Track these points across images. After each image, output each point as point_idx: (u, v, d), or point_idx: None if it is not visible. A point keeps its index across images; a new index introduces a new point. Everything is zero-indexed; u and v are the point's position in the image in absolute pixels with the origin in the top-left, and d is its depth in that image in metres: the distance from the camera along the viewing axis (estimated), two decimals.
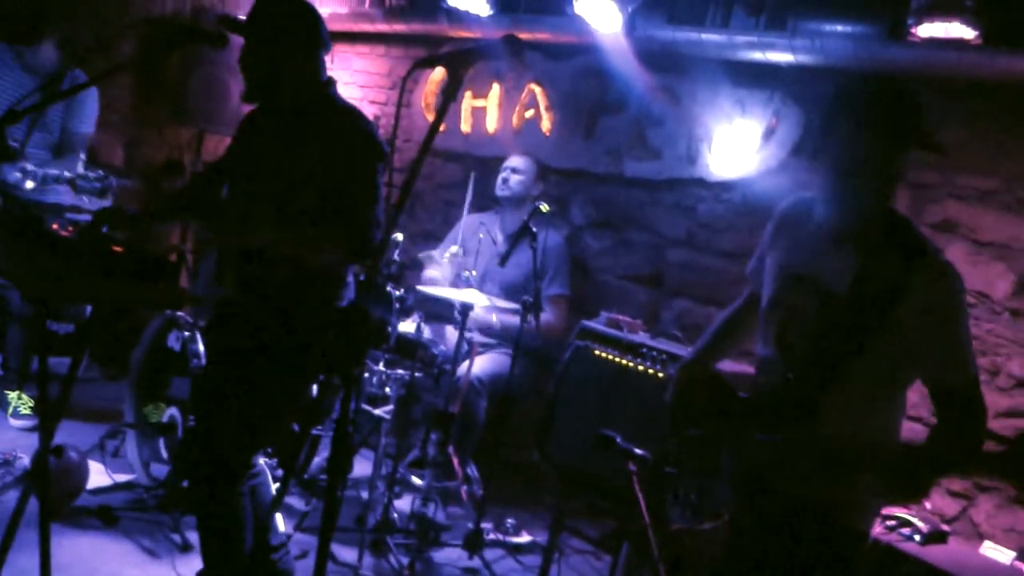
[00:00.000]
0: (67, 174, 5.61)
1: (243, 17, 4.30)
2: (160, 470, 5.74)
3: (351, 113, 4.28)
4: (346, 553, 5.46)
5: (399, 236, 5.99)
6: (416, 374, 5.85)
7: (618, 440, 3.89)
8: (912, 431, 5.71)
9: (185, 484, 5.36)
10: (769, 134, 6.45)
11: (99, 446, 6.08)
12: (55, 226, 3.82)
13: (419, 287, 6.27)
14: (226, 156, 4.54)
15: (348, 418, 2.78)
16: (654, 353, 5.79)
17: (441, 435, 6.02)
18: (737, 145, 6.63)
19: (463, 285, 6.45)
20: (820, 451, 3.17)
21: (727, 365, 4.60)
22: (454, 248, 6.78)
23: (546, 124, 7.84)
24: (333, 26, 8.47)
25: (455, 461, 5.98)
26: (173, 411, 5.60)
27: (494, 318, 6.74)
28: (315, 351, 4.20)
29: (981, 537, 5.23)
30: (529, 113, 7.98)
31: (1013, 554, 4.84)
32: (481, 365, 6.44)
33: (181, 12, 9.14)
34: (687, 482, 3.93)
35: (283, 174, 4.12)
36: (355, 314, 2.74)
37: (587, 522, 6.47)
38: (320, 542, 2.84)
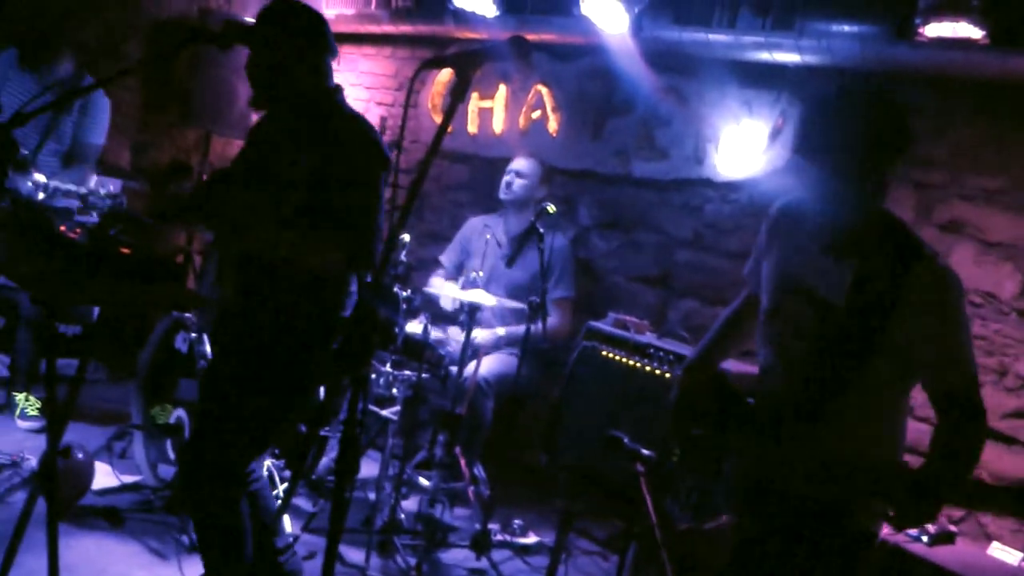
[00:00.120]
0: (80, 190, 5.63)
1: (250, 18, 4.31)
2: (167, 471, 5.75)
3: (357, 120, 4.27)
4: (353, 554, 5.46)
5: (406, 237, 5.99)
6: (423, 375, 5.85)
7: (625, 441, 3.88)
8: (918, 431, 5.70)
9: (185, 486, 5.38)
10: (776, 134, 6.45)
11: (106, 447, 6.07)
12: (63, 228, 3.83)
13: (428, 289, 6.29)
14: (235, 162, 4.53)
15: (357, 419, 2.78)
16: (661, 354, 5.80)
17: (448, 436, 6.02)
18: (744, 145, 6.63)
19: (469, 286, 6.45)
20: (823, 470, 3.16)
21: (732, 365, 4.60)
22: (454, 286, 6.82)
23: (553, 125, 7.84)
24: (339, 27, 8.50)
25: (462, 462, 5.97)
26: (180, 412, 5.61)
27: (500, 331, 6.74)
28: (315, 357, 4.20)
29: (989, 538, 5.23)
30: (536, 114, 7.98)
31: (1021, 555, 4.83)
32: (488, 366, 6.43)
33: (187, 14, 9.15)
34: (688, 483, 3.92)
35: (286, 180, 4.11)
36: (363, 314, 2.74)
37: (594, 523, 6.46)
38: (328, 543, 2.84)
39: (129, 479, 5.82)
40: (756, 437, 3.34)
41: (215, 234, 5.40)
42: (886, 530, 4.57)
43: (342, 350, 2.74)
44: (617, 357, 5.95)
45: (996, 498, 2.88)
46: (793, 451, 3.23)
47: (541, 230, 6.02)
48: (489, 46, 2.93)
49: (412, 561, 5.52)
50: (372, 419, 5.95)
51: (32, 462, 5.67)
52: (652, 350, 5.84)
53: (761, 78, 6.56)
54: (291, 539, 4.61)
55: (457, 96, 2.84)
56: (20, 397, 6.58)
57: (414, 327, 5.98)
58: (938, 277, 3.14)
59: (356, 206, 4.05)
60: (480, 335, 6.60)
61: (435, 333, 6.21)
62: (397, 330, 5.69)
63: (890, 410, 3.32)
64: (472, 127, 8.40)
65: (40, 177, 5.83)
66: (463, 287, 6.69)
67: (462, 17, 7.86)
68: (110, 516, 5.38)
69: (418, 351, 5.83)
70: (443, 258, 7.31)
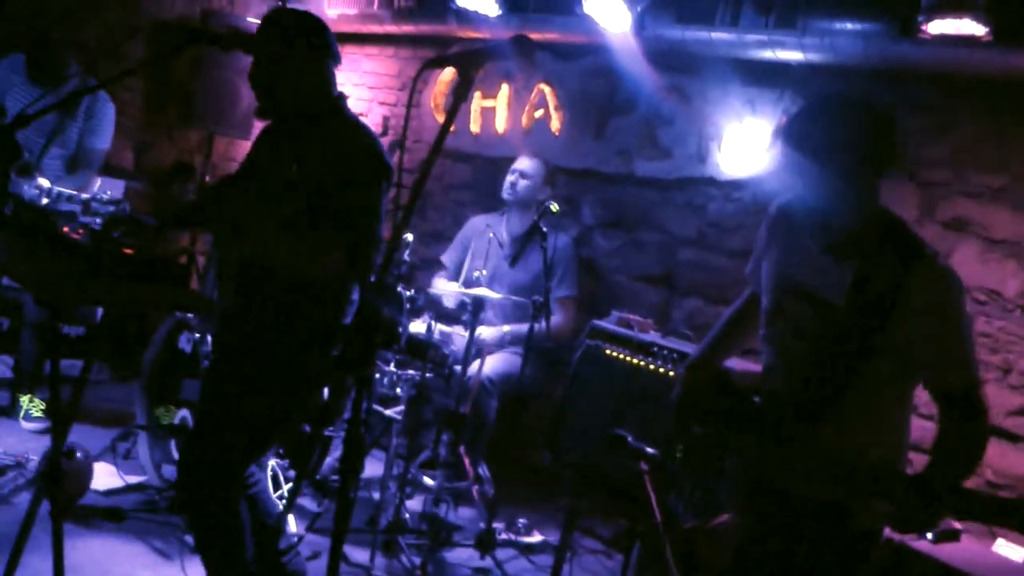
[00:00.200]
0: (82, 196, 5.63)
1: (252, 19, 4.31)
2: (172, 472, 5.75)
3: (359, 129, 4.26)
4: (358, 554, 5.47)
5: (409, 236, 5.99)
6: (427, 375, 5.85)
7: (629, 439, 3.88)
8: (923, 429, 5.70)
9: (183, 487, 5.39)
10: (779, 132, 6.43)
11: (111, 448, 6.09)
12: (66, 229, 3.83)
13: (432, 290, 6.30)
14: (240, 169, 4.53)
15: (361, 419, 2.77)
16: (665, 352, 5.79)
17: (452, 435, 6.02)
18: (747, 144, 6.63)
19: (472, 286, 6.45)
20: (824, 470, 3.16)
21: (735, 363, 4.60)
22: (456, 285, 6.82)
23: (556, 124, 7.84)
24: (342, 28, 8.49)
25: (466, 461, 5.98)
26: (184, 413, 5.61)
27: (505, 328, 6.74)
28: (314, 359, 4.20)
29: (994, 535, 5.22)
30: (539, 113, 7.98)
31: None
32: (492, 365, 6.44)
33: (189, 15, 9.16)
34: (691, 482, 3.92)
35: (288, 185, 4.11)
36: (366, 315, 2.74)
37: (599, 521, 6.46)
38: (333, 543, 2.83)
39: (133, 480, 5.83)
40: (758, 436, 3.34)
41: (216, 237, 5.41)
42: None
43: (346, 353, 2.74)
44: (621, 356, 5.95)
45: (1002, 512, 2.88)
46: (794, 451, 3.23)
47: (544, 229, 6.02)
48: (492, 45, 2.93)
49: (417, 560, 5.52)
50: (376, 419, 5.96)
51: (36, 463, 5.68)
52: (656, 349, 5.84)
53: (764, 76, 6.56)
54: (295, 539, 4.61)
55: (460, 95, 2.84)
56: (24, 399, 6.59)
57: (418, 326, 5.98)
58: (938, 277, 3.13)
59: (355, 214, 4.04)
60: (485, 332, 6.60)
61: (439, 327, 6.21)
62: (400, 330, 5.69)
63: (892, 409, 3.32)
64: (475, 126, 8.40)
65: (44, 182, 5.83)
66: (465, 287, 6.69)
67: (464, 16, 7.85)
68: (114, 516, 5.39)
69: (422, 350, 5.83)
70: (444, 258, 7.30)
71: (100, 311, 6.92)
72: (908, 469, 3.42)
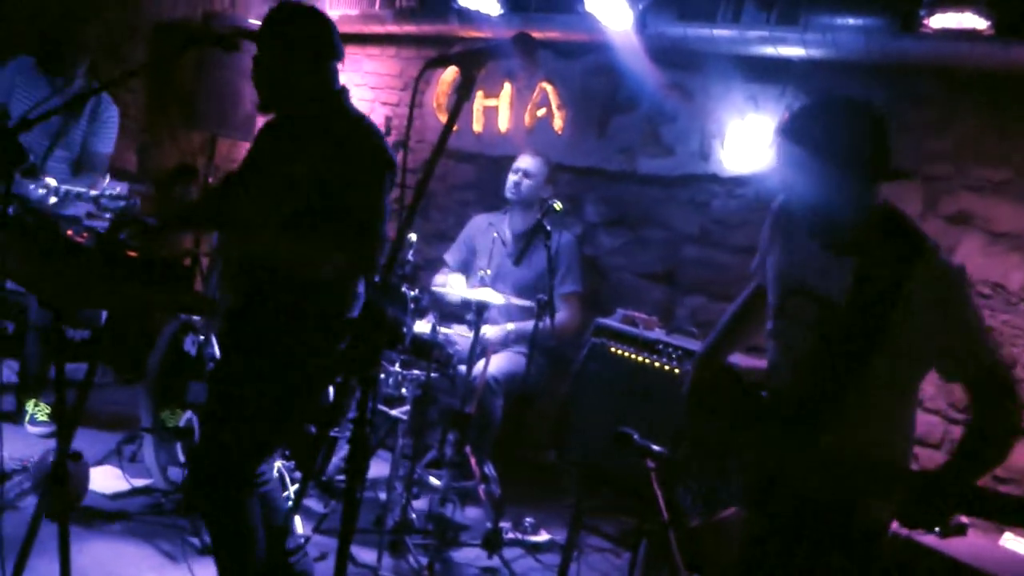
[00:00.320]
0: (91, 192, 5.64)
1: (254, 21, 4.30)
2: (178, 474, 5.76)
3: (361, 123, 4.26)
4: (365, 554, 5.46)
5: (413, 236, 5.99)
6: (432, 375, 5.85)
7: (635, 437, 3.88)
8: (929, 424, 5.70)
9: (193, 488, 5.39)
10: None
11: (116, 451, 6.09)
12: (70, 232, 3.83)
13: (435, 288, 6.30)
14: (241, 167, 4.53)
15: (367, 419, 2.77)
16: (670, 349, 5.79)
17: (458, 435, 6.02)
18: (750, 140, 6.62)
19: (477, 284, 6.45)
20: (829, 468, 3.16)
21: (740, 359, 4.60)
22: (458, 276, 6.81)
23: (558, 123, 7.84)
24: (343, 28, 8.45)
25: (472, 461, 5.97)
26: (190, 415, 5.62)
27: (509, 326, 6.74)
28: (320, 357, 4.20)
29: (1001, 529, 5.21)
30: (541, 112, 7.97)
31: None
32: (497, 364, 6.43)
33: (192, 17, 9.16)
34: (696, 477, 3.92)
35: (289, 183, 4.11)
36: (371, 315, 2.74)
37: (606, 519, 6.46)
38: (340, 543, 2.84)
39: (140, 483, 5.83)
40: (764, 433, 3.34)
41: (221, 236, 5.40)
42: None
43: (350, 351, 2.74)
44: (626, 353, 5.95)
45: (1013, 511, 2.88)
46: (799, 448, 3.23)
47: (548, 228, 6.02)
48: (494, 44, 2.93)
49: (424, 561, 5.52)
50: (382, 419, 5.96)
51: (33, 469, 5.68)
52: (661, 346, 5.84)
53: (766, 72, 6.56)
54: (302, 540, 4.61)
55: (462, 94, 2.84)
56: (29, 403, 6.59)
57: (422, 326, 5.98)
58: (938, 273, 3.14)
59: (359, 209, 4.04)
60: (489, 331, 6.59)
61: (444, 329, 6.21)
62: (405, 330, 5.69)
63: (896, 405, 3.32)
64: (477, 126, 8.40)
65: (51, 181, 5.85)
66: (470, 286, 6.69)
67: (466, 16, 7.85)
68: (120, 519, 5.40)
69: (426, 350, 5.83)
70: (448, 257, 7.30)
71: (104, 314, 6.93)
72: (913, 464, 3.42)
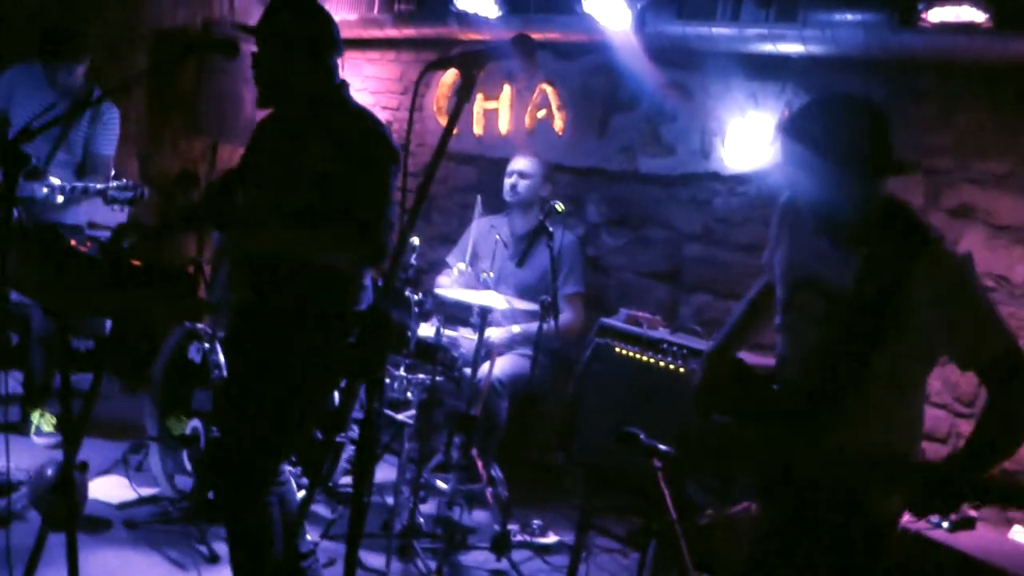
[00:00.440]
0: (98, 186, 5.65)
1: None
2: (185, 482, 5.76)
3: (364, 115, 4.26)
4: (373, 559, 5.47)
5: (415, 240, 5.98)
6: (437, 378, 5.85)
7: (641, 437, 3.88)
8: (936, 419, 5.69)
9: (211, 496, 5.38)
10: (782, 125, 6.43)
11: (122, 461, 6.09)
12: (73, 242, 3.83)
13: (438, 291, 6.29)
14: (241, 163, 4.53)
15: (373, 422, 2.77)
16: (675, 348, 5.79)
17: (464, 438, 6.01)
18: (751, 138, 6.62)
19: (480, 287, 6.45)
20: (838, 461, 3.17)
21: (747, 357, 4.60)
22: (461, 265, 6.79)
23: (558, 124, 7.83)
24: (342, 33, 8.48)
25: (479, 464, 5.97)
26: (196, 423, 5.62)
27: (515, 328, 6.74)
28: (335, 354, 4.19)
29: (1009, 522, 5.21)
30: (541, 113, 7.97)
31: None
32: (501, 366, 6.43)
33: (191, 24, 9.17)
34: (708, 473, 3.92)
35: (295, 176, 4.11)
36: (376, 317, 2.74)
37: (614, 520, 6.45)
38: (348, 549, 2.83)
39: (146, 492, 5.83)
40: (773, 427, 3.35)
41: (227, 236, 5.40)
42: (905, 517, 4.57)
43: (358, 349, 2.74)
44: (630, 353, 5.94)
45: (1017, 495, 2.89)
46: (808, 442, 3.23)
47: (551, 229, 6.02)
48: (493, 45, 2.92)
49: (432, 564, 5.52)
50: (387, 423, 5.95)
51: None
52: (665, 345, 5.83)
53: (766, 70, 6.55)
54: (312, 545, 4.61)
55: (463, 96, 2.83)
56: (35, 414, 6.60)
57: (426, 330, 5.98)
58: (944, 263, 3.14)
59: (367, 199, 4.03)
60: (494, 333, 6.59)
61: (448, 332, 6.21)
62: (409, 334, 5.69)
63: (904, 398, 3.32)
64: (478, 128, 8.40)
65: (55, 180, 5.85)
66: (472, 286, 6.68)
67: (465, 19, 7.85)
68: (128, 528, 5.40)
69: (431, 354, 5.83)
70: (450, 259, 7.29)
71: (109, 323, 6.93)
72: (921, 458, 3.42)
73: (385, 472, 6.54)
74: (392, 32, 8.79)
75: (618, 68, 7.32)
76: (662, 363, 5.79)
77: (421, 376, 5.90)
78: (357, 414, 5.93)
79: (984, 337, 3.16)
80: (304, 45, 4.16)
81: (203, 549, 5.26)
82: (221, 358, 5.60)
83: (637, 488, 5.49)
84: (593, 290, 7.16)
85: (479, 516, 6.38)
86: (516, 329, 6.71)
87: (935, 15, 5.37)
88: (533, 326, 6.17)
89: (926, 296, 3.09)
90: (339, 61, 4.32)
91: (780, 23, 6.18)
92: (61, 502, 5.26)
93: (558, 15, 7.40)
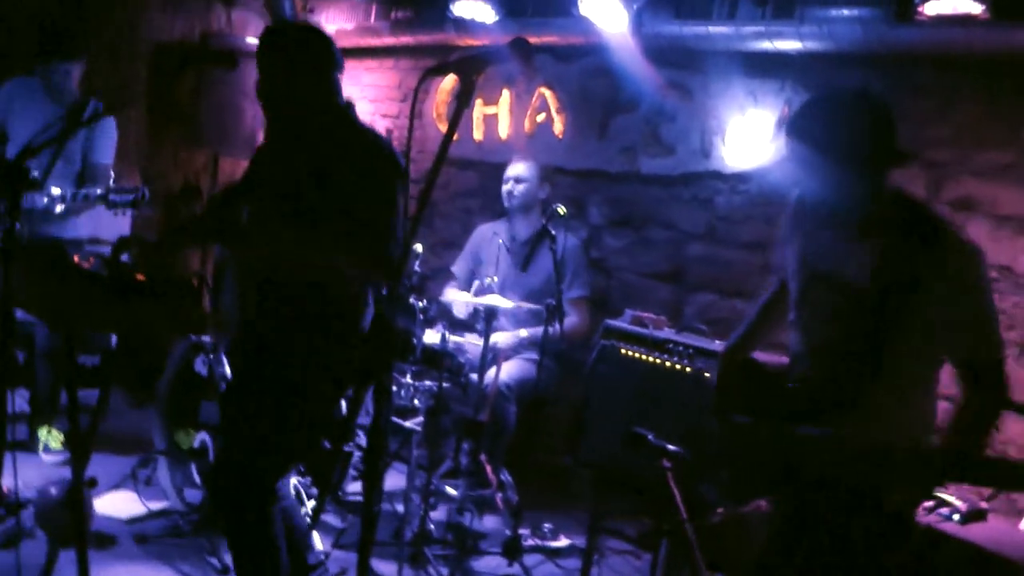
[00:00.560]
0: (98, 191, 5.64)
1: (251, 38, 4.31)
2: (194, 495, 5.76)
3: (369, 134, 4.28)
4: (385, 567, 5.46)
5: (419, 247, 5.98)
6: (444, 384, 5.85)
7: (650, 437, 3.88)
8: (943, 410, 5.68)
9: (215, 504, 5.38)
10: (782, 123, 6.43)
11: (131, 475, 6.09)
12: (76, 258, 3.84)
13: (443, 299, 6.30)
14: (244, 180, 4.53)
15: (382, 429, 2.77)
16: (681, 348, 5.78)
17: (472, 444, 6.02)
18: (751, 136, 6.62)
19: (484, 293, 6.45)
20: (852, 456, 3.17)
21: (759, 356, 4.61)
22: (467, 295, 6.81)
23: (558, 127, 7.83)
24: (340, 42, 8.42)
25: (488, 469, 5.97)
26: (204, 436, 5.61)
27: (522, 332, 6.73)
28: (336, 355, 4.20)
29: (1020, 513, 5.20)
30: (541, 117, 7.97)
31: None
32: (508, 371, 6.43)
33: (189, 37, 9.18)
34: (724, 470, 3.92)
35: (304, 195, 4.11)
36: (381, 324, 2.74)
37: (624, 521, 6.45)
38: (359, 558, 2.83)
39: (156, 506, 5.83)
40: (787, 423, 3.35)
41: (232, 252, 5.40)
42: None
43: (363, 358, 2.75)
44: (637, 354, 5.94)
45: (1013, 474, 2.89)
46: (822, 437, 3.23)
47: (553, 232, 6.02)
48: (491, 49, 2.94)
49: (444, 571, 5.52)
50: (395, 431, 5.95)
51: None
52: (671, 345, 5.83)
53: (765, 67, 6.55)
54: (322, 556, 4.61)
55: (462, 101, 2.84)
56: (42, 431, 6.60)
57: (432, 337, 5.97)
58: (965, 253, 3.16)
59: (374, 216, 4.03)
60: (500, 338, 6.59)
61: (454, 338, 6.21)
62: (415, 341, 5.69)
63: (918, 391, 3.32)
64: (478, 134, 8.40)
65: (55, 189, 5.85)
66: (477, 295, 6.68)
67: (462, 25, 7.85)
68: (138, 542, 5.40)
69: (437, 360, 5.83)
70: (455, 268, 7.29)
71: (114, 338, 6.93)
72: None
73: (395, 480, 6.54)
74: (390, 40, 8.80)
75: (617, 70, 7.32)
76: (668, 363, 5.79)
77: (428, 383, 5.90)
78: (364, 421, 5.92)
79: (983, 339, 3.18)
80: (304, 66, 4.17)
81: (214, 561, 5.26)
82: (228, 370, 5.60)
83: (646, 489, 5.49)
84: (597, 292, 7.16)
85: (490, 521, 6.38)
86: (523, 333, 6.71)
87: (932, 8, 5.37)
88: (539, 330, 6.17)
89: (944, 287, 3.10)
90: (340, 77, 4.33)
91: (777, 20, 6.18)
92: (69, 519, 5.29)
93: (555, 18, 7.40)
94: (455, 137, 2.83)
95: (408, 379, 5.92)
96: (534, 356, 6.44)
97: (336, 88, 4.28)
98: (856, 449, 3.16)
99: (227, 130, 8.30)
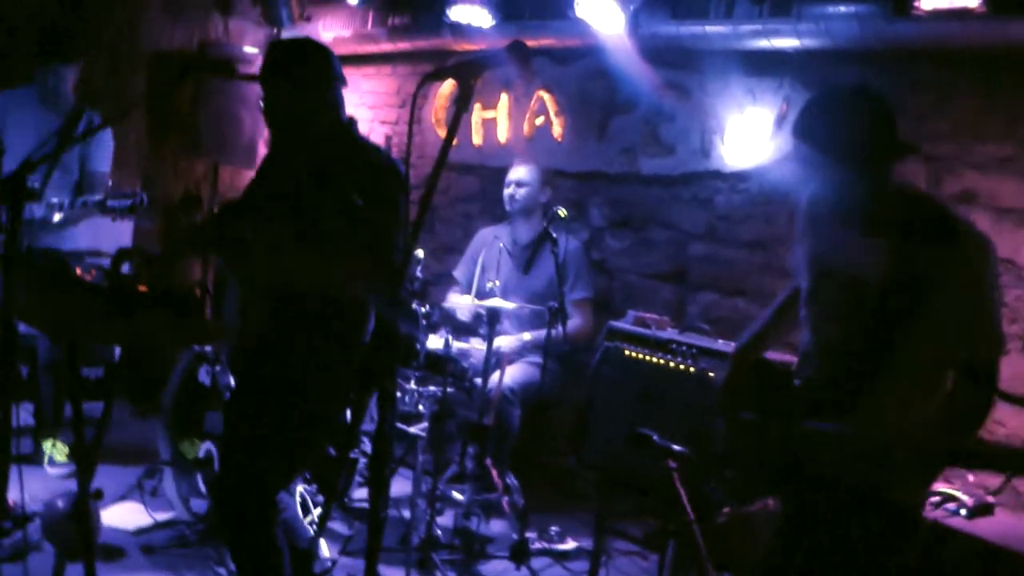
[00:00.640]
0: (95, 198, 5.64)
1: (248, 48, 4.32)
2: (200, 505, 5.76)
3: (372, 149, 4.31)
4: (393, 573, 5.45)
5: (420, 252, 5.99)
6: (448, 389, 5.84)
7: (655, 438, 3.87)
8: None
9: (218, 515, 5.38)
10: (781, 121, 6.44)
11: (137, 486, 6.08)
12: (78, 270, 3.84)
13: (446, 304, 6.29)
14: (247, 194, 4.54)
15: (387, 434, 2.77)
16: (684, 348, 5.77)
17: (477, 448, 6.02)
18: (750, 134, 6.62)
19: (486, 297, 6.45)
20: (863, 455, 3.17)
21: (769, 355, 4.61)
22: (469, 298, 6.80)
23: (557, 130, 7.84)
24: (338, 50, 8.44)
25: (494, 473, 5.97)
26: (209, 446, 5.61)
27: (526, 336, 6.73)
28: (339, 369, 4.20)
29: None
30: (539, 120, 7.98)
31: None
32: (512, 375, 6.43)
33: (187, 46, 9.18)
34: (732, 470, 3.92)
35: (308, 209, 4.12)
36: (384, 332, 2.74)
37: (631, 523, 6.44)
38: (367, 563, 2.83)
39: (162, 516, 5.83)
40: (795, 420, 3.35)
41: (234, 265, 5.41)
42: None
43: (366, 367, 2.75)
44: (640, 355, 5.93)
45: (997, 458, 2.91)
46: (830, 434, 3.23)
47: (554, 235, 6.02)
48: (489, 53, 2.94)
49: None
50: (400, 436, 5.95)
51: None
52: (675, 345, 5.82)
53: (763, 66, 6.55)
54: (329, 564, 4.61)
55: (461, 106, 2.84)
56: (47, 444, 6.60)
57: (435, 342, 5.97)
58: (980, 246, 3.18)
59: (379, 228, 4.05)
60: (504, 342, 6.58)
61: (457, 343, 6.21)
62: (418, 346, 5.69)
63: (927, 388, 3.31)
64: (477, 138, 8.40)
65: (54, 199, 5.85)
66: (479, 298, 6.68)
67: (459, 29, 7.85)
68: (145, 553, 5.40)
69: (441, 365, 5.82)
70: (456, 273, 7.29)
71: (118, 349, 6.93)
72: None
73: (400, 485, 6.53)
74: (387, 46, 8.80)
75: (614, 71, 7.32)
76: (672, 364, 5.78)
77: (432, 388, 5.89)
78: (368, 427, 5.92)
79: (988, 335, 3.17)
80: (308, 82, 4.19)
81: (221, 571, 5.26)
82: (231, 380, 5.60)
83: (651, 489, 5.49)
84: (599, 293, 7.16)
85: (496, 525, 6.37)
86: (527, 337, 6.71)
87: (928, 2, 5.37)
88: (542, 333, 6.17)
89: (958, 281, 3.10)
90: (343, 90, 4.34)
91: (774, 19, 6.18)
92: (76, 532, 5.29)
93: (552, 21, 7.40)
94: (454, 142, 2.83)
95: (412, 385, 5.91)
96: (538, 359, 6.43)
97: (339, 102, 4.30)
98: (861, 436, 3.17)
99: (226, 139, 8.31)
